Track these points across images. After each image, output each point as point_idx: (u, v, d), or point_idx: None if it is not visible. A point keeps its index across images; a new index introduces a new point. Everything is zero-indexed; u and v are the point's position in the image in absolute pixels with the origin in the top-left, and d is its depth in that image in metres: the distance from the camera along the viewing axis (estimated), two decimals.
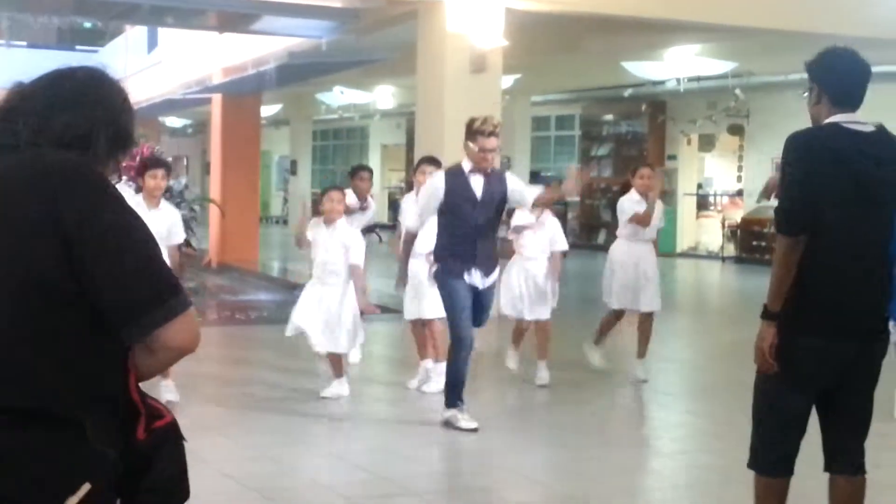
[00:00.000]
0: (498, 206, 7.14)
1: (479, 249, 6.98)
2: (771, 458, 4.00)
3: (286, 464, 6.32)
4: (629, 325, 9.16)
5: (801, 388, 3.89)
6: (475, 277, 6.96)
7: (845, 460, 4.02)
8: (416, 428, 7.38)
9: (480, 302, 7.10)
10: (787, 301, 3.83)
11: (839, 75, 3.93)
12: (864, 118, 3.93)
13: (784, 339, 3.83)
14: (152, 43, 26.46)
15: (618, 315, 9.00)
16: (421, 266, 7.81)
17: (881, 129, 3.92)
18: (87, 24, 30.84)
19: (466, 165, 7.04)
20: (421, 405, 7.97)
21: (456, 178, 7.00)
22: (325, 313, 7.81)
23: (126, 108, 2.28)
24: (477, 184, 7.00)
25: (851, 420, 4.01)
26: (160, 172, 7.42)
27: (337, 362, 8.00)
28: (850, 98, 3.91)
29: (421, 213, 7.16)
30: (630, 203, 8.84)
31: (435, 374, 8.13)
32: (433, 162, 8.38)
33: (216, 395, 8.27)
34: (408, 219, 7.57)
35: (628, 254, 8.85)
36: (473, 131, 7.00)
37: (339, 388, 7.93)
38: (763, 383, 3.97)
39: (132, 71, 28.57)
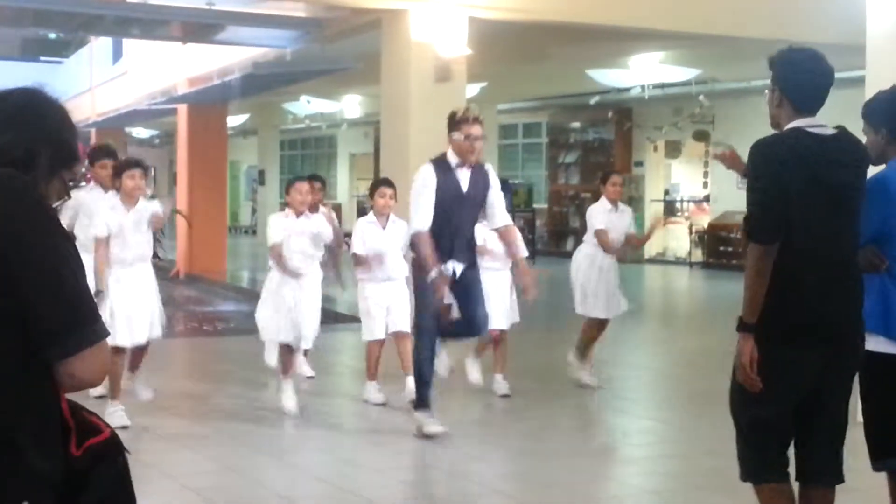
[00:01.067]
0: (481, 201, 7.06)
1: (457, 245, 6.95)
2: (760, 466, 3.90)
3: (251, 476, 6.28)
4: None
5: (777, 399, 3.80)
6: (454, 267, 6.91)
7: (821, 471, 3.94)
8: (382, 439, 7.36)
9: (470, 296, 6.98)
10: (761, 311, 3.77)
11: (803, 79, 3.89)
12: (827, 123, 3.91)
13: (757, 350, 3.76)
14: (117, 53, 26.32)
15: (594, 324, 8.94)
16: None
17: (842, 132, 3.90)
18: (52, 36, 30.69)
19: (453, 160, 6.92)
20: (388, 417, 7.94)
21: (445, 171, 6.88)
22: (295, 310, 7.84)
23: (66, 125, 2.28)
24: (464, 178, 6.93)
25: (829, 429, 3.92)
26: (138, 172, 7.40)
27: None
28: (813, 102, 3.88)
29: (421, 210, 6.82)
30: (601, 212, 8.84)
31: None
32: (390, 184, 8.35)
33: (181, 407, 8.21)
34: (412, 224, 7.01)
35: (592, 260, 8.86)
36: (457, 121, 6.90)
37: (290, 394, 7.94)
38: (739, 395, 3.87)
39: (97, 82, 28.44)
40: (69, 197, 2.40)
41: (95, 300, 2.35)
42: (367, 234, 8.17)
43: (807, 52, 3.92)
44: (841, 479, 3.98)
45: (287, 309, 7.78)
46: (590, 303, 8.85)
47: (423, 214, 6.81)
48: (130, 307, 7.23)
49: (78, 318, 2.09)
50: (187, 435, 7.26)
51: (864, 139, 4.48)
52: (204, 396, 8.57)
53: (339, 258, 9.01)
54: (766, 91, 4.01)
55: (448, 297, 6.79)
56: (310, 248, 7.91)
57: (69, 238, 2.16)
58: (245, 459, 6.64)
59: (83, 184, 8.58)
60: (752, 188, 3.82)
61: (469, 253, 7.06)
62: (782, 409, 3.84)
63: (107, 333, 2.15)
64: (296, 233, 7.86)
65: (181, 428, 7.46)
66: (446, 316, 6.84)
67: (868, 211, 4.23)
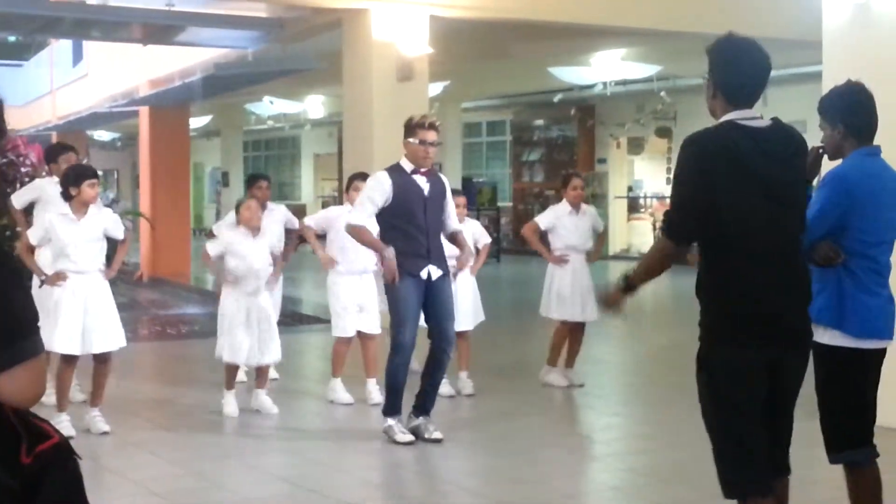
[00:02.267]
0: (442, 204, 7.09)
1: (433, 248, 6.96)
2: (743, 481, 3.74)
3: (214, 479, 6.25)
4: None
5: (741, 405, 3.71)
6: (431, 271, 6.90)
7: (774, 465, 3.87)
8: (348, 439, 7.36)
9: (442, 301, 6.96)
10: (706, 313, 3.74)
11: (732, 69, 3.78)
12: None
13: (709, 352, 3.73)
14: (77, 56, 26.13)
15: (566, 327, 8.92)
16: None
17: (777, 123, 3.80)
18: (11, 39, 30.39)
19: (407, 166, 6.95)
20: (354, 417, 7.94)
21: (401, 176, 6.91)
22: (256, 327, 7.81)
23: None
24: (422, 183, 6.96)
25: (780, 425, 3.87)
26: (96, 181, 7.27)
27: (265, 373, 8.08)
28: (745, 93, 3.78)
29: (365, 207, 6.89)
30: (557, 215, 8.80)
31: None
32: (365, 178, 8.33)
33: (145, 412, 8.16)
34: (350, 217, 7.11)
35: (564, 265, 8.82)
36: (413, 126, 6.95)
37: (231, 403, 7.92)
38: (709, 409, 3.78)
39: (58, 84, 28.20)
40: None
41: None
42: (340, 222, 8.13)
43: (740, 41, 3.81)
44: (789, 470, 3.97)
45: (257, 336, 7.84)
46: (557, 306, 8.81)
47: (364, 212, 6.91)
48: (83, 316, 7.03)
49: (13, 331, 2.05)
50: (151, 440, 7.22)
51: (821, 134, 4.53)
52: (167, 400, 8.52)
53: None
54: (703, 82, 3.94)
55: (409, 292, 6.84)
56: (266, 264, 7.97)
57: (4, 250, 2.11)
58: (209, 463, 6.61)
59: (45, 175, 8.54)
60: (676, 185, 3.76)
61: (443, 259, 7.06)
62: (751, 414, 3.72)
63: (40, 351, 2.09)
64: (249, 253, 7.86)
65: (145, 432, 7.41)
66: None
67: (825, 205, 4.26)
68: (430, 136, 6.93)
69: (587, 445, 7.42)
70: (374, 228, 7.02)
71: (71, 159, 8.02)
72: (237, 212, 8.05)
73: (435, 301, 6.94)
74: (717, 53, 3.83)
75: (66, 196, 7.12)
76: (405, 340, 6.87)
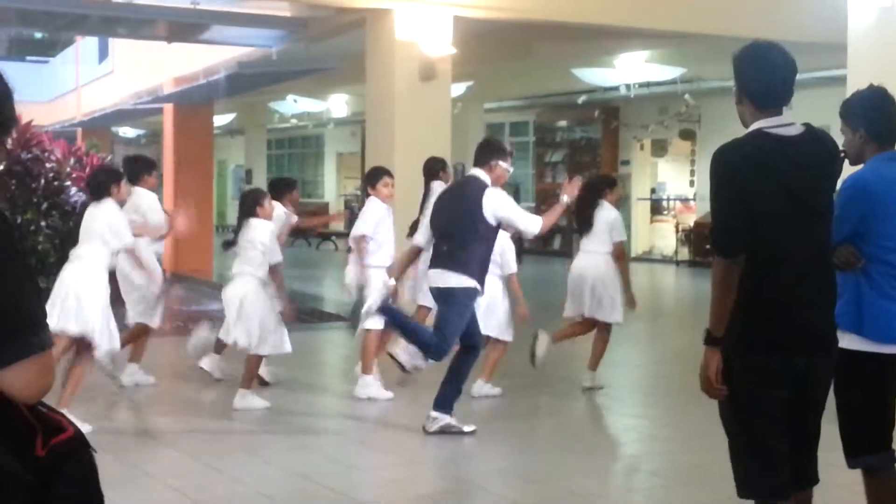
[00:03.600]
0: None
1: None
2: (761, 482, 3.72)
3: (232, 475, 6.27)
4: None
5: (764, 409, 3.69)
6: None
7: (803, 475, 3.84)
8: (365, 437, 7.39)
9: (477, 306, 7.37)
10: (732, 321, 3.67)
11: (758, 74, 3.75)
12: (794, 121, 3.81)
13: (734, 361, 3.68)
14: (103, 53, 26.29)
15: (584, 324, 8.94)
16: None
17: (809, 130, 3.75)
18: (38, 35, 30.61)
19: (489, 181, 7.14)
20: (370, 415, 7.96)
21: None
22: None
23: (2, 89, 2.18)
24: None
25: (806, 434, 3.82)
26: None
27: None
28: (773, 98, 3.74)
29: (523, 214, 7.24)
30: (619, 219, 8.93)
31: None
32: (391, 174, 8.45)
33: (165, 406, 8.20)
34: (531, 224, 7.22)
35: (609, 265, 8.83)
36: (506, 152, 7.36)
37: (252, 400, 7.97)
38: (729, 413, 3.76)
39: (83, 81, 28.38)
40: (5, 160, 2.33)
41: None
42: (380, 217, 8.18)
43: (764, 45, 3.77)
44: (817, 480, 3.96)
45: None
46: (611, 308, 8.81)
47: (528, 215, 7.27)
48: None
49: (18, 326, 2.04)
50: (170, 434, 7.26)
51: (841, 138, 4.51)
52: (188, 395, 8.57)
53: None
54: (728, 85, 3.92)
55: None
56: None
57: (10, 242, 2.11)
58: (227, 458, 6.64)
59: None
60: (714, 199, 3.71)
61: None
62: (773, 418, 3.70)
63: (47, 346, 2.08)
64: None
65: (164, 427, 7.45)
66: None
67: (845, 209, 4.23)
68: (511, 162, 7.45)
69: (605, 447, 7.41)
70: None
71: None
72: (259, 205, 8.12)
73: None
74: (741, 59, 3.80)
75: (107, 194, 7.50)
76: (480, 342, 7.32)
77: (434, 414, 7.09)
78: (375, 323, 8.06)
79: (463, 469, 6.69)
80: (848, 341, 4.21)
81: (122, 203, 7.79)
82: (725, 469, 3.88)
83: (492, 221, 7.02)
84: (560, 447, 7.07)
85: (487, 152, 7.25)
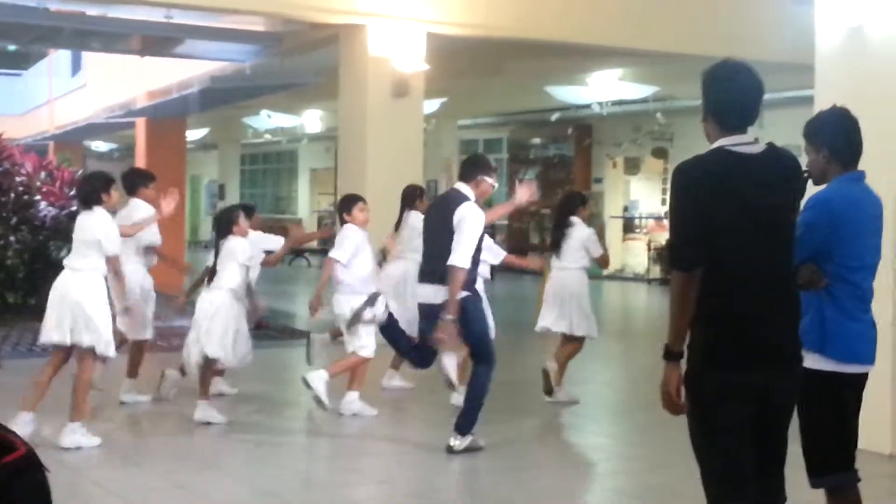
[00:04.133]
0: None
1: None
2: (730, 502, 3.70)
3: (200, 492, 6.22)
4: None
5: (729, 427, 3.67)
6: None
7: (766, 494, 3.82)
8: (337, 455, 7.35)
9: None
10: (694, 338, 3.69)
11: (724, 95, 3.75)
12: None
13: (697, 375, 3.68)
14: (76, 66, 26.19)
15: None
16: None
17: (771, 148, 3.76)
18: (11, 48, 30.45)
19: (471, 195, 7.13)
20: (335, 432, 7.92)
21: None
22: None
23: None
24: None
25: (773, 451, 3.81)
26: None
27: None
28: (737, 118, 3.73)
29: (470, 249, 6.88)
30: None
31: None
32: (364, 200, 8.46)
33: (129, 424, 8.14)
34: (457, 259, 6.93)
35: (583, 280, 9.01)
36: (489, 167, 7.33)
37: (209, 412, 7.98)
38: (695, 428, 3.74)
39: (56, 94, 28.24)
40: None
41: None
42: (357, 245, 8.19)
43: (733, 66, 3.78)
44: (785, 499, 3.95)
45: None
46: (588, 322, 8.92)
47: (469, 253, 6.89)
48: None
49: None
50: (135, 452, 7.20)
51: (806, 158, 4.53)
52: (153, 413, 8.49)
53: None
54: (699, 104, 3.88)
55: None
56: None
57: None
58: (194, 475, 6.59)
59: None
60: (673, 213, 3.73)
61: None
62: (738, 437, 3.68)
63: None
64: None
65: (129, 445, 7.39)
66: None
67: (808, 229, 4.25)
68: (495, 177, 7.41)
69: (574, 466, 7.41)
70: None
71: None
72: (234, 223, 8.13)
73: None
74: (709, 78, 3.79)
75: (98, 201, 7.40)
76: (494, 352, 7.20)
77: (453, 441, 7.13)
78: (369, 351, 8.13)
79: (431, 490, 6.66)
80: (811, 361, 4.22)
81: (113, 211, 7.72)
82: (693, 487, 3.88)
83: None
84: (530, 466, 7.06)
85: (473, 168, 7.27)
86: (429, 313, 7.09)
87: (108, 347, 7.13)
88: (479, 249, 7.02)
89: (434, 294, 7.00)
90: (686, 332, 3.67)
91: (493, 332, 7.83)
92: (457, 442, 7.08)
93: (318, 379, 7.92)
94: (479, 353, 7.10)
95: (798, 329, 3.87)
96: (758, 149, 3.73)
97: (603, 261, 9.24)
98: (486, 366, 7.09)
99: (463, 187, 7.15)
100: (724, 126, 3.74)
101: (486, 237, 8.18)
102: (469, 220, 6.93)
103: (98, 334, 7.05)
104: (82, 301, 7.06)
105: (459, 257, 6.82)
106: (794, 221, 3.89)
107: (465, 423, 7.10)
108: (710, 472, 3.76)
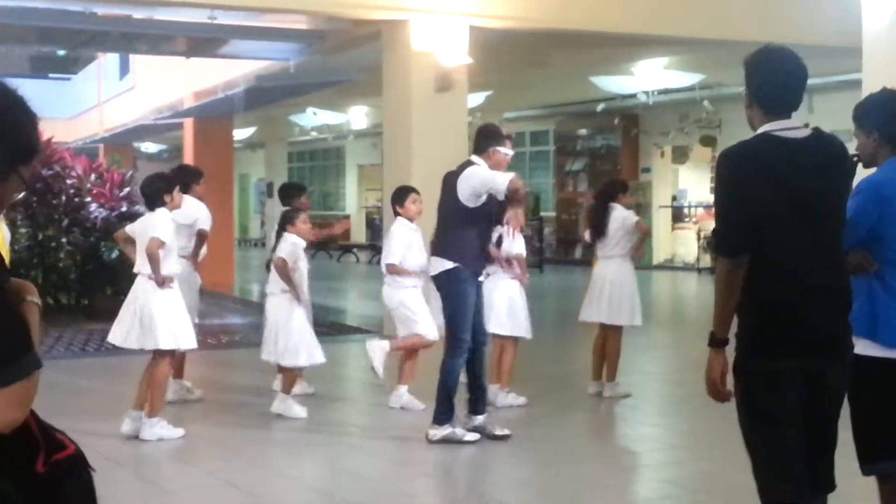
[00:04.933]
0: None
1: (486, 247, 7.24)
2: (781, 492, 3.69)
3: (247, 490, 6.25)
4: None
5: (778, 415, 3.65)
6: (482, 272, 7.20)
7: (819, 482, 3.79)
8: (378, 448, 7.36)
9: (480, 300, 7.23)
10: (743, 324, 3.69)
11: (767, 79, 3.74)
12: (830, 127, 3.75)
13: (746, 363, 3.68)
14: (124, 69, 26.45)
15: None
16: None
17: (816, 134, 3.75)
18: (60, 53, 30.87)
19: (485, 166, 7.04)
20: (385, 426, 7.94)
21: None
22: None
23: (22, 119, 2.16)
24: None
25: (822, 439, 3.78)
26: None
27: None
28: (781, 103, 3.73)
29: (474, 189, 6.90)
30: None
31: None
32: (417, 191, 8.42)
33: (181, 421, 8.20)
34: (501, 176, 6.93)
35: (630, 270, 8.92)
36: (503, 136, 7.19)
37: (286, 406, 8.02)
38: (745, 417, 3.73)
39: (105, 97, 28.56)
40: (26, 190, 2.30)
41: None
42: (408, 240, 8.16)
43: (775, 51, 3.77)
44: (834, 486, 3.92)
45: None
46: (630, 312, 8.82)
47: (471, 191, 6.92)
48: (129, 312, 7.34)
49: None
50: (186, 449, 7.26)
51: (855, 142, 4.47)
52: (204, 410, 8.56)
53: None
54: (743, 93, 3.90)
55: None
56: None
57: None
58: (242, 472, 6.62)
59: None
60: (717, 201, 3.73)
61: None
62: (789, 425, 3.66)
63: (17, 378, 2.02)
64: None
65: (180, 441, 7.45)
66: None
67: (858, 214, 4.19)
68: (511, 146, 7.26)
69: (622, 457, 7.38)
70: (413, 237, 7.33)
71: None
72: (289, 222, 8.10)
73: (479, 297, 7.20)
74: (752, 64, 3.79)
75: (161, 203, 7.46)
76: (468, 338, 7.04)
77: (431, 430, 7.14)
78: (433, 332, 8.16)
79: (480, 483, 6.66)
80: (862, 347, 4.15)
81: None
82: (741, 478, 3.85)
83: (466, 200, 6.90)
84: (578, 458, 7.03)
85: (485, 139, 7.15)
86: (436, 287, 7.19)
87: (182, 341, 7.37)
88: (474, 232, 6.96)
89: (432, 265, 7.12)
90: (731, 319, 3.66)
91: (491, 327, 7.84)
92: (432, 431, 7.10)
93: (378, 348, 8.17)
94: (449, 336, 7.06)
95: (849, 316, 3.82)
96: (803, 133, 3.71)
97: (635, 251, 8.91)
98: (451, 355, 7.04)
99: (476, 159, 7.10)
100: (768, 111, 3.73)
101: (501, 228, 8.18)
102: (475, 170, 6.93)
103: (187, 339, 7.43)
104: (149, 304, 7.26)
105: (501, 177, 6.72)
106: (843, 207, 3.85)
107: (436, 412, 7.12)
108: (760, 460, 3.74)
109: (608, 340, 8.83)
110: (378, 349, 8.14)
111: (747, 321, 3.71)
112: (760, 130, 3.74)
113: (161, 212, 7.39)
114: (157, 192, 7.46)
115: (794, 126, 3.72)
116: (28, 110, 2.19)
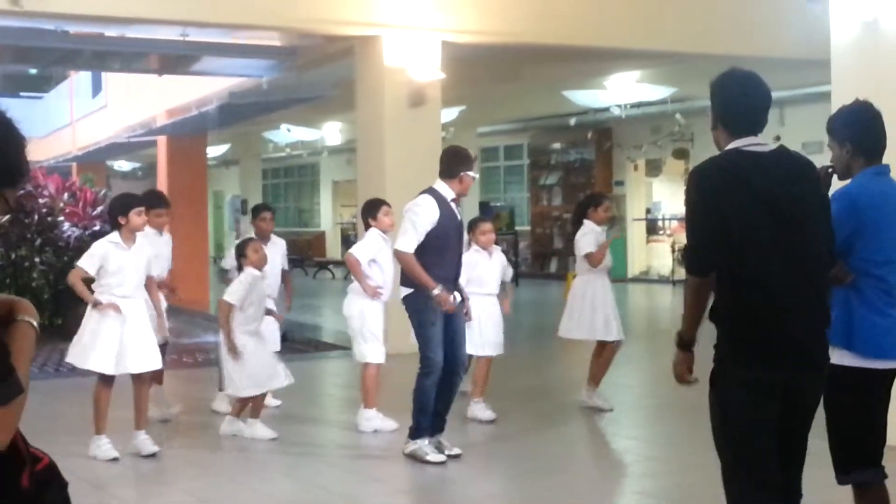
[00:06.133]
0: (462, 232, 7.32)
1: (458, 272, 7.17)
2: (751, 501, 3.75)
3: None
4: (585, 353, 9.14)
5: (754, 425, 3.71)
6: (456, 296, 7.06)
7: (788, 492, 3.85)
8: (361, 467, 7.33)
9: (458, 326, 7.11)
10: (720, 334, 3.76)
11: (732, 101, 3.84)
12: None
13: (722, 373, 3.73)
14: (96, 87, 26.35)
15: (598, 347, 8.92)
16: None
17: (781, 149, 3.86)
18: (32, 71, 30.72)
19: (447, 193, 7.04)
20: (360, 443, 7.91)
21: (444, 204, 7.01)
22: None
23: (9, 141, 2.15)
24: (455, 210, 7.11)
25: (794, 452, 3.84)
26: (143, 209, 7.47)
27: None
28: (746, 124, 3.82)
29: (415, 232, 6.90)
30: (591, 234, 8.81)
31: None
32: (388, 204, 8.35)
33: (155, 438, 8.15)
34: (399, 243, 7.04)
35: (587, 285, 8.83)
36: (470, 160, 7.13)
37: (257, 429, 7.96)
38: (719, 426, 3.79)
39: (77, 116, 28.44)
40: (13, 213, 2.28)
41: None
42: (379, 248, 8.09)
43: (739, 73, 3.88)
44: (801, 495, 3.94)
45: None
46: (605, 327, 8.79)
47: (414, 239, 6.91)
48: (121, 339, 7.13)
49: None
50: (160, 468, 7.20)
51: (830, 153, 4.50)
52: (179, 428, 8.50)
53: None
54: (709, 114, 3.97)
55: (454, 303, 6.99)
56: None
57: None
58: (217, 490, 6.59)
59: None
60: (688, 219, 3.80)
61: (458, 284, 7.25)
62: (762, 435, 3.71)
63: (11, 397, 2.02)
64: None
65: (153, 459, 7.40)
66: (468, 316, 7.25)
67: (834, 225, 4.23)
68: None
69: (599, 470, 7.38)
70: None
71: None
72: (243, 255, 8.03)
73: (452, 325, 7.07)
74: (717, 87, 3.90)
75: (115, 225, 7.29)
76: (437, 359, 6.98)
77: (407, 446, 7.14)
78: (376, 356, 8.07)
79: (460, 496, 6.65)
80: (838, 356, 4.19)
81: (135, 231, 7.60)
82: (720, 489, 3.85)
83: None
84: (557, 470, 7.03)
85: (456, 164, 7.07)
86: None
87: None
88: (434, 258, 6.91)
89: (400, 290, 7.12)
90: (699, 324, 3.77)
91: (477, 350, 7.95)
92: (405, 446, 7.12)
93: (366, 419, 8.08)
94: (421, 357, 7.06)
95: (826, 327, 3.86)
96: (768, 148, 3.81)
97: (593, 258, 8.71)
98: (420, 374, 7.02)
99: (440, 185, 7.05)
100: (733, 132, 3.83)
101: (495, 248, 8.23)
102: (410, 211, 6.96)
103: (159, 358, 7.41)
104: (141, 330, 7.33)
105: (399, 242, 6.93)
106: (819, 214, 3.88)
107: (411, 428, 7.12)
108: (730, 468, 3.78)
109: (605, 352, 8.86)
110: (369, 422, 8.12)
111: (724, 331, 3.76)
112: (728, 147, 3.82)
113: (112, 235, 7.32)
114: (109, 215, 7.44)
115: (760, 143, 3.81)
116: (15, 132, 2.17)
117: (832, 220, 4.20)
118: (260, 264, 7.98)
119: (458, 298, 7.06)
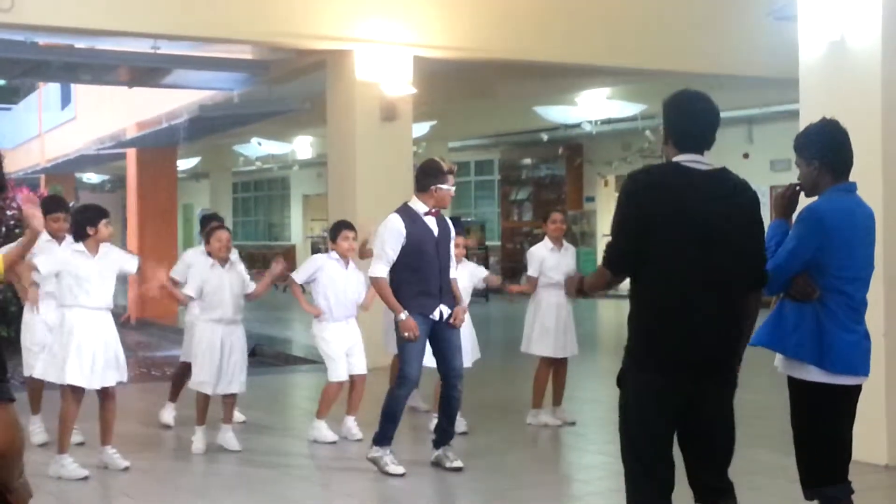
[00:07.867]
0: (449, 244, 7.26)
1: (443, 285, 7.12)
2: (645, 501, 3.94)
3: None
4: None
5: (650, 424, 3.89)
6: (442, 310, 7.06)
7: (706, 492, 3.99)
8: (323, 479, 7.31)
9: (450, 339, 7.14)
10: (629, 338, 3.95)
11: (681, 119, 3.99)
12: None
13: (626, 376, 3.93)
14: (66, 99, 26.21)
15: (548, 366, 8.91)
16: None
17: (721, 170, 3.98)
18: (1, 82, 30.50)
19: (420, 208, 7.06)
20: (331, 456, 7.89)
21: (413, 218, 7.03)
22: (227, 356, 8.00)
23: None
24: (431, 223, 7.10)
25: (705, 452, 3.97)
26: (61, 215, 7.33)
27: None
28: (692, 141, 3.95)
29: (385, 256, 6.96)
30: (541, 253, 8.83)
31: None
32: (352, 227, 8.33)
33: (125, 453, 8.09)
34: (371, 269, 7.10)
35: (541, 299, 8.84)
36: (445, 172, 7.12)
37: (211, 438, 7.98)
38: (622, 426, 4.00)
39: (47, 127, 28.27)
40: None
41: None
42: (332, 272, 8.12)
43: (689, 94, 4.04)
44: (732, 494, 4.00)
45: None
46: (538, 341, 8.80)
47: (383, 263, 6.98)
48: (91, 351, 7.03)
49: None
50: (129, 483, 7.14)
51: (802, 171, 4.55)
52: (148, 442, 8.45)
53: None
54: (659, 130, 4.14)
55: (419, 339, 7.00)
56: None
57: None
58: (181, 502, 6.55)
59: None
60: (614, 220, 3.96)
61: (451, 296, 7.22)
62: (659, 438, 3.88)
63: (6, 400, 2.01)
64: (225, 284, 8.04)
65: (123, 473, 7.34)
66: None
67: (800, 241, 4.28)
68: (453, 181, 7.22)
69: (570, 485, 7.38)
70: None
71: (58, 220, 7.71)
72: (207, 241, 8.08)
73: (444, 339, 7.13)
74: (668, 106, 4.06)
75: (82, 235, 7.08)
76: (412, 374, 7.04)
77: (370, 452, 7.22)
78: (334, 375, 8.12)
79: None
80: (806, 373, 4.22)
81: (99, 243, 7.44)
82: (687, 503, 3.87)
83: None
84: (525, 486, 7.02)
85: (425, 177, 7.13)
86: None
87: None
88: (410, 275, 6.96)
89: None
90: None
91: (468, 360, 7.96)
92: (370, 452, 7.19)
93: (317, 430, 8.19)
94: (400, 369, 7.12)
95: (735, 340, 3.94)
96: (707, 167, 3.93)
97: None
98: (395, 384, 7.12)
99: (414, 200, 7.12)
100: (680, 148, 3.96)
101: (464, 260, 8.28)
102: (380, 231, 7.05)
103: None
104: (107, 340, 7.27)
105: (371, 268, 7.04)
106: (746, 234, 3.95)
107: (376, 435, 7.17)
108: (628, 468, 3.99)
109: (559, 370, 8.89)
110: (316, 430, 8.22)
111: (632, 336, 3.94)
112: (671, 161, 3.97)
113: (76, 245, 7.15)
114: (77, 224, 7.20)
115: (702, 161, 3.94)
116: None
117: (798, 236, 4.25)
118: (219, 254, 8.00)
119: (446, 314, 7.08)
